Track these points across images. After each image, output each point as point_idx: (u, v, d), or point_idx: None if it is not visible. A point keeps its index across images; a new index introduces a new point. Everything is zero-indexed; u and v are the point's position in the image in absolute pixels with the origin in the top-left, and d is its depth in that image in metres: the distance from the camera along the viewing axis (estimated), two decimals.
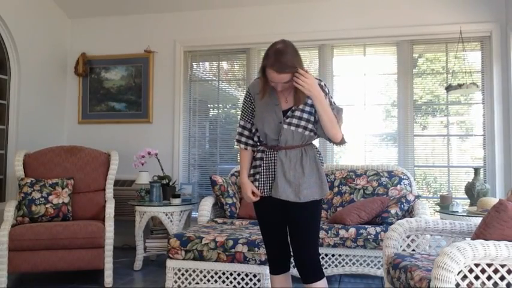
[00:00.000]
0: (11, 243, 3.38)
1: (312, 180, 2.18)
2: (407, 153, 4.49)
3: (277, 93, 2.22)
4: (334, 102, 2.22)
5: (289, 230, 2.27)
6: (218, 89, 5.12)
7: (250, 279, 2.92)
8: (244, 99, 2.34)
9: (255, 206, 2.36)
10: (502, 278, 1.80)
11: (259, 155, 2.29)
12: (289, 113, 2.19)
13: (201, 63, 5.22)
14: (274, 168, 2.21)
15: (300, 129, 2.18)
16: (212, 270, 2.98)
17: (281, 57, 2.02)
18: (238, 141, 2.36)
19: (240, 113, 2.40)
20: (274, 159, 2.22)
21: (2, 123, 4.50)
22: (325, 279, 2.22)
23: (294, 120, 2.17)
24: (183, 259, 3.01)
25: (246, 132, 2.34)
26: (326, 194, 2.23)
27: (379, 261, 3.49)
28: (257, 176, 2.27)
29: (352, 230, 3.48)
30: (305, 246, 2.21)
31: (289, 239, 2.31)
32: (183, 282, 3.04)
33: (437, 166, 4.51)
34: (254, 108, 2.29)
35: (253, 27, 4.84)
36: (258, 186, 2.26)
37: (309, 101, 2.17)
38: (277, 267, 2.36)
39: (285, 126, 2.18)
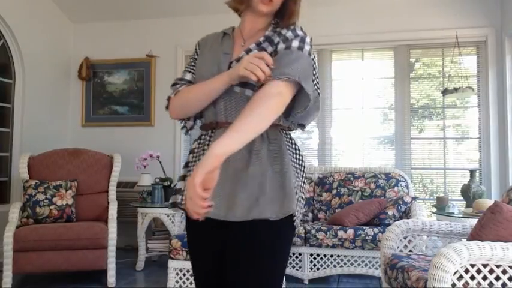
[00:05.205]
0: (16, 244, 3.40)
1: (266, 187, 1.25)
2: (405, 156, 4.55)
3: (234, 38, 1.42)
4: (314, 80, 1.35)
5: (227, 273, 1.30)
6: None
7: None
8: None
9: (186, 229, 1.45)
10: (497, 278, 1.83)
11: (194, 144, 1.43)
12: (233, 64, 1.34)
13: None
14: None
15: (250, 92, 1.28)
16: None
17: None
18: (174, 84, 1.55)
19: None
20: (208, 146, 1.34)
21: (7, 127, 4.55)
22: None
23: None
24: (185, 259, 3.05)
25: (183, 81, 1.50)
26: (290, 213, 1.26)
27: (376, 262, 3.53)
28: (187, 177, 1.38)
29: (350, 231, 3.53)
30: None
31: None
32: (184, 283, 3.08)
33: (434, 168, 4.57)
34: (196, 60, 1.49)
35: None
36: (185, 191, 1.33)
37: (270, 48, 1.32)
38: None
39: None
